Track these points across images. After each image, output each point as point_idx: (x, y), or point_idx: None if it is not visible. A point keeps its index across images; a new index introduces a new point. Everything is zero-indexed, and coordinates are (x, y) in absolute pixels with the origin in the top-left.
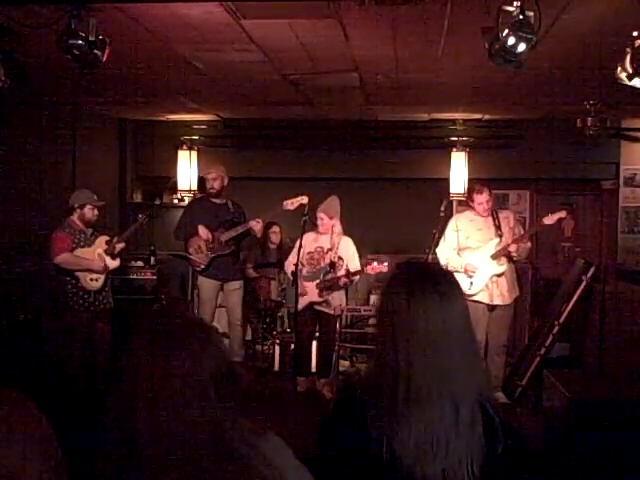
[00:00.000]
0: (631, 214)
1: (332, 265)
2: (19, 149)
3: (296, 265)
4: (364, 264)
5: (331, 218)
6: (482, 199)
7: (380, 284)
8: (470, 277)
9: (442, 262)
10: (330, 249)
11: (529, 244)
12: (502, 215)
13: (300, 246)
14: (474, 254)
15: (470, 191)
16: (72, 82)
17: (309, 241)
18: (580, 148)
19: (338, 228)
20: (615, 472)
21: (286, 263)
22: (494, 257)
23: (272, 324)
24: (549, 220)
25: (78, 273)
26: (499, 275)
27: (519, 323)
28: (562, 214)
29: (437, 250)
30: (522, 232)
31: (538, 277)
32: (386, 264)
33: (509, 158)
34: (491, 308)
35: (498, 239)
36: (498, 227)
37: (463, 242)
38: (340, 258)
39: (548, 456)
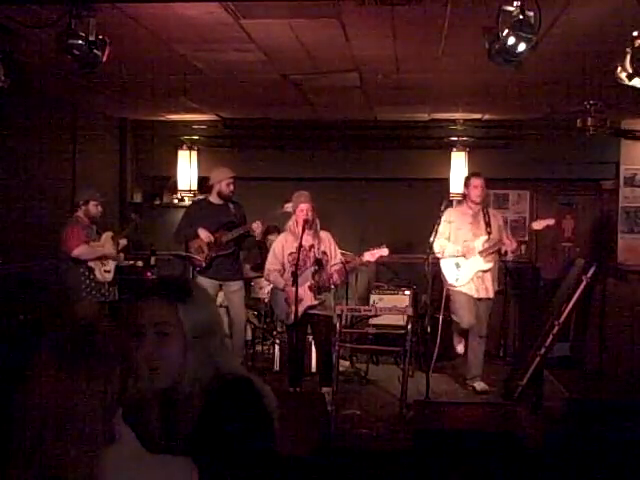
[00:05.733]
0: (631, 214)
1: (319, 263)
2: (19, 149)
3: (296, 267)
4: (359, 254)
5: (313, 210)
6: (477, 182)
7: (380, 284)
8: (466, 258)
9: (436, 250)
10: (312, 245)
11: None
12: (491, 212)
13: (303, 245)
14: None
15: (467, 178)
16: (72, 82)
17: (288, 242)
18: (580, 148)
19: (317, 222)
20: (615, 472)
21: (266, 270)
22: (482, 254)
23: (272, 324)
24: (537, 225)
25: (92, 265)
26: (485, 271)
27: (519, 323)
28: (550, 221)
29: (435, 241)
30: (508, 233)
31: (538, 277)
32: (384, 246)
33: (509, 158)
34: (478, 300)
35: (487, 236)
36: (488, 224)
37: (454, 234)
38: (324, 253)
39: (548, 456)
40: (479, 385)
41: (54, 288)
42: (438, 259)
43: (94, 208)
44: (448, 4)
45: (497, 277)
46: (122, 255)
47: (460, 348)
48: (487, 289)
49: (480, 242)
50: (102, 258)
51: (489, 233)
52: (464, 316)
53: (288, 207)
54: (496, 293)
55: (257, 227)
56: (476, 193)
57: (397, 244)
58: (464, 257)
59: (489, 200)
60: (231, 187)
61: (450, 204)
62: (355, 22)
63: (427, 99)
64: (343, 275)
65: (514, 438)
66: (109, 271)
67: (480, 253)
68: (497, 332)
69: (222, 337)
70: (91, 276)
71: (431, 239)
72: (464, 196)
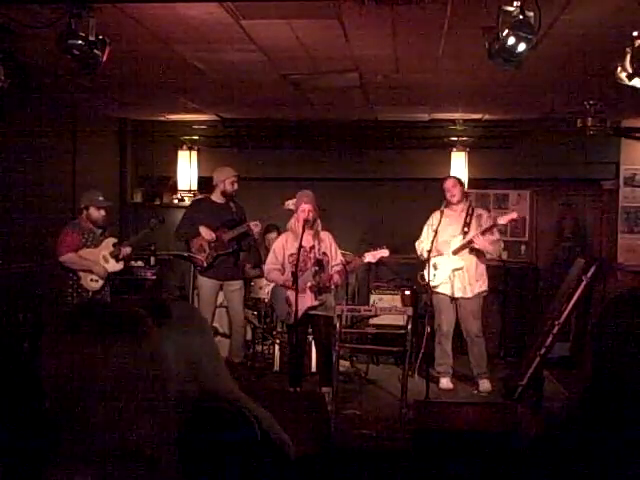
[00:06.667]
0: (631, 214)
1: (319, 263)
2: (19, 149)
3: (296, 268)
4: (359, 255)
5: (315, 210)
6: (448, 184)
7: (380, 284)
8: (435, 269)
9: (418, 253)
10: (313, 246)
11: (500, 244)
12: (476, 213)
13: (306, 244)
14: (443, 249)
15: (441, 181)
16: (72, 82)
17: (289, 242)
18: (580, 148)
19: (318, 223)
20: (615, 472)
21: (266, 270)
22: (455, 253)
23: (272, 324)
24: (502, 220)
25: (80, 272)
26: (459, 269)
27: (519, 323)
28: (514, 215)
29: (416, 244)
30: (494, 233)
31: (538, 277)
32: (385, 247)
33: (509, 158)
34: (455, 300)
35: (461, 236)
36: (467, 224)
37: (436, 237)
38: (325, 254)
39: (548, 456)
40: (482, 385)
41: (52, 288)
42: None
43: (95, 212)
44: (448, 4)
45: (482, 276)
46: (119, 265)
47: (444, 384)
48: (463, 288)
49: (455, 242)
50: (89, 271)
51: (465, 233)
52: (443, 321)
53: (289, 204)
54: (483, 293)
55: (255, 227)
56: (449, 195)
57: (397, 244)
58: (438, 254)
59: (489, 200)
60: (235, 186)
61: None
62: (355, 22)
63: (427, 99)
64: (344, 276)
65: (514, 438)
66: (97, 280)
67: (453, 252)
68: (497, 332)
69: (211, 358)
70: (79, 282)
71: (417, 242)
72: (446, 199)
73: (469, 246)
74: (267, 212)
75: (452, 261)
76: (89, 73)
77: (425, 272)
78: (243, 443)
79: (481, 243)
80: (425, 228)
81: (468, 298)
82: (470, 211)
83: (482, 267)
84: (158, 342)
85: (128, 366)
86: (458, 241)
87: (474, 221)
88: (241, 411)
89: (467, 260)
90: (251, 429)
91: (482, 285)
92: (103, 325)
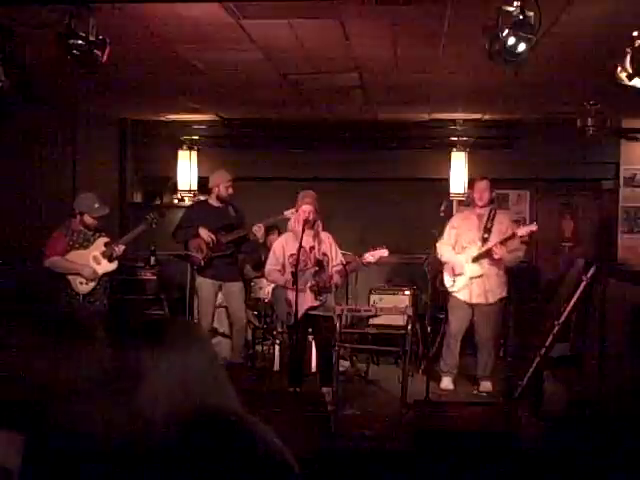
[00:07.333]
0: (631, 214)
1: (319, 264)
2: (19, 150)
3: (296, 268)
4: (359, 255)
5: (316, 211)
6: (481, 186)
7: (379, 284)
8: (455, 276)
9: (439, 254)
10: (313, 247)
11: (519, 253)
12: (498, 217)
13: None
14: (461, 254)
15: (472, 180)
16: (72, 82)
17: (289, 243)
18: (580, 148)
19: (319, 223)
20: (615, 472)
21: (266, 270)
22: (474, 260)
23: (272, 324)
24: (521, 232)
25: (68, 276)
26: (477, 277)
27: (519, 323)
28: (533, 227)
29: (437, 245)
30: (516, 240)
31: (538, 277)
32: (385, 247)
33: (509, 158)
34: (474, 305)
35: (480, 243)
36: (488, 230)
37: (457, 240)
38: (325, 254)
39: (548, 456)
40: (483, 385)
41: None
42: (440, 259)
43: (89, 219)
44: (448, 4)
45: (502, 284)
46: (112, 265)
47: (445, 383)
48: (484, 295)
49: (474, 249)
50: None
51: (485, 239)
52: (453, 323)
53: (288, 214)
54: (504, 299)
55: (258, 230)
56: (478, 196)
57: (397, 244)
58: (452, 272)
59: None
60: (230, 190)
61: (450, 204)
62: (355, 22)
63: (427, 99)
64: (344, 276)
65: (514, 438)
66: (86, 283)
67: (473, 260)
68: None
69: (211, 376)
70: (70, 286)
71: (438, 242)
72: (472, 199)
73: (488, 255)
74: (267, 216)
75: (471, 268)
76: (89, 73)
77: (445, 277)
78: (239, 457)
79: (501, 253)
80: (447, 229)
81: (488, 304)
82: (492, 215)
83: (502, 273)
84: (114, 350)
85: (78, 369)
86: (477, 248)
87: (495, 227)
88: (240, 424)
89: (486, 268)
90: (249, 441)
91: (502, 292)
92: (55, 330)
